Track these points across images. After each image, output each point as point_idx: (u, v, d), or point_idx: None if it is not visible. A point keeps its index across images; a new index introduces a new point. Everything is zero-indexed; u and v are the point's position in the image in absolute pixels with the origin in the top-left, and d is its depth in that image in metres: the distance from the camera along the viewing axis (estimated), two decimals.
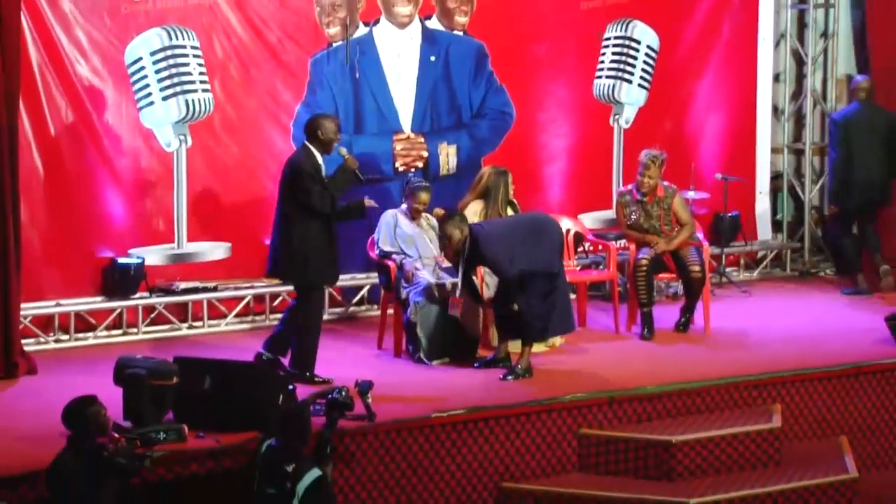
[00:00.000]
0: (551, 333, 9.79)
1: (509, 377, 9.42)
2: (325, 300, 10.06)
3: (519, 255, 9.40)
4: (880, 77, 12.31)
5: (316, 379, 9.16)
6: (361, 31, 11.30)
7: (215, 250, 10.96)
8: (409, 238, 10.18)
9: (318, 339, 9.30)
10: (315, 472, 7.10)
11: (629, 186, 10.87)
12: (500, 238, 9.45)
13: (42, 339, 10.26)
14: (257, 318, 10.97)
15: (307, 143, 9.27)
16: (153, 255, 10.70)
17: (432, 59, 11.56)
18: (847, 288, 12.06)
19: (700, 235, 10.97)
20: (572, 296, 11.14)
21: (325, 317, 11.03)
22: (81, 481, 6.87)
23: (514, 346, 9.65)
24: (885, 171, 12.02)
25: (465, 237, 9.40)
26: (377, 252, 10.21)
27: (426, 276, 10.05)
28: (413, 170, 11.47)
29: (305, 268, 9.21)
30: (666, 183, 10.75)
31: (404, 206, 10.31)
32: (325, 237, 9.19)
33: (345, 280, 11.11)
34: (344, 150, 9.39)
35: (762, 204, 12.95)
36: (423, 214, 10.29)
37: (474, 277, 9.92)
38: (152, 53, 10.58)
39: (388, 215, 10.22)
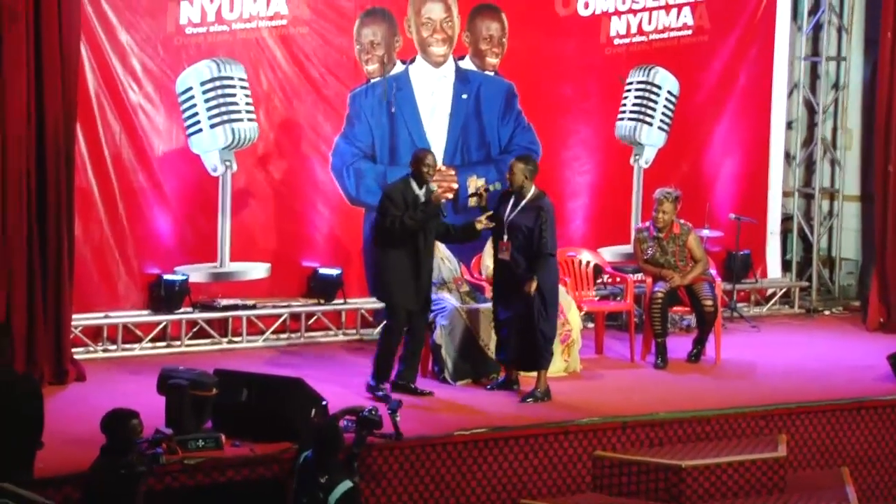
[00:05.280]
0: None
1: (529, 400, 9.41)
2: (403, 316, 9.42)
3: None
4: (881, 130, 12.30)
5: (417, 390, 9.42)
6: (398, 68, 11.35)
7: (255, 270, 10.99)
8: None
9: (392, 352, 9.41)
10: (347, 484, 7.08)
11: (647, 223, 10.86)
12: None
13: (91, 349, 10.30)
14: (293, 335, 11.00)
15: (410, 173, 9.44)
16: (197, 273, 10.74)
17: (464, 96, 11.59)
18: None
19: (713, 272, 10.95)
20: (590, 325, 11.19)
21: (356, 336, 11.14)
22: (112, 490, 6.85)
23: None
24: None
25: (526, 183, 9.41)
26: None
27: (451, 300, 10.05)
28: (443, 201, 11.46)
29: (384, 287, 9.39)
30: (682, 221, 10.75)
31: None
32: (407, 261, 9.27)
33: (376, 303, 11.12)
34: (434, 186, 9.40)
35: (773, 244, 12.93)
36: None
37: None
38: (202, 84, 10.64)
39: None
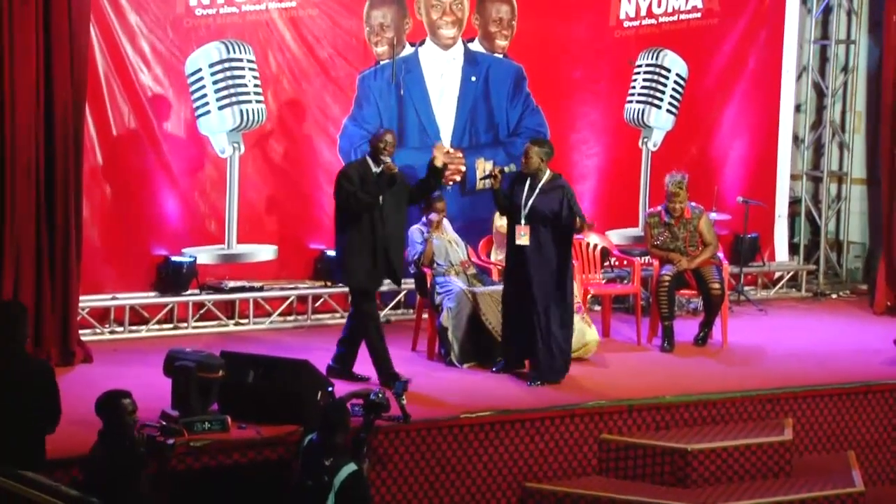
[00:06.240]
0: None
1: (537, 382, 9.37)
2: (374, 302, 9.32)
3: None
4: (888, 113, 12.23)
5: (355, 375, 9.15)
6: (407, 50, 11.30)
7: (263, 252, 10.96)
8: (437, 249, 10.12)
9: (376, 340, 9.14)
10: (351, 467, 7.05)
11: (658, 208, 10.76)
12: None
13: (98, 330, 10.29)
14: (300, 317, 10.97)
15: (367, 153, 9.25)
16: (204, 255, 10.72)
17: (473, 79, 11.54)
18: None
19: (720, 255, 10.90)
20: (597, 307, 11.14)
21: None
22: (113, 473, 6.82)
23: None
24: None
25: (542, 166, 9.30)
26: (413, 269, 10.15)
27: (458, 282, 10.01)
28: (451, 183, 11.44)
29: (345, 271, 9.17)
30: (693, 204, 10.67)
31: (423, 220, 10.18)
32: (366, 241, 9.06)
33: (382, 285, 11.09)
34: (387, 159, 9.09)
35: (780, 227, 12.88)
36: (442, 225, 10.21)
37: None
38: (211, 65, 10.60)
39: (415, 232, 10.12)
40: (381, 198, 9.06)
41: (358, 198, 8.98)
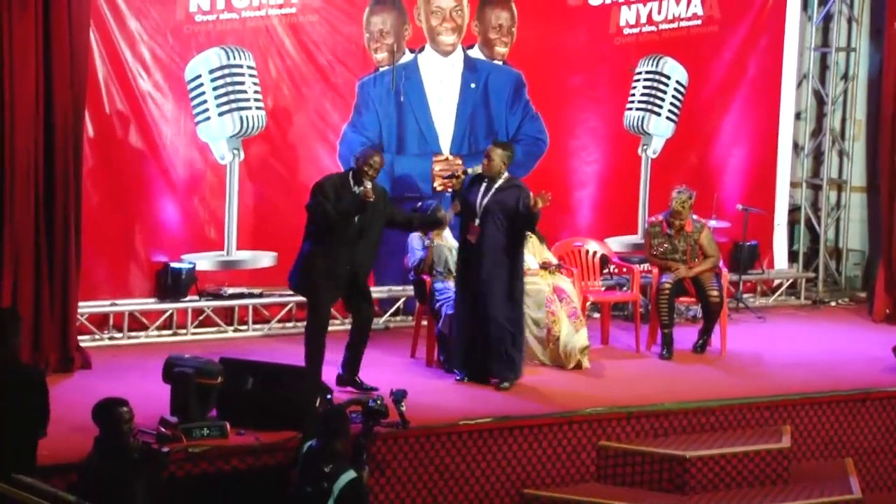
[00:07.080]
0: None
1: (504, 385, 9.31)
2: (325, 312, 9.24)
3: None
4: (888, 121, 12.27)
5: (364, 385, 9.17)
6: (407, 57, 11.33)
7: (262, 259, 11.00)
8: (437, 256, 10.14)
9: (318, 349, 9.09)
10: (351, 473, 7.07)
11: (660, 217, 10.77)
12: None
13: (97, 336, 10.31)
14: (299, 324, 10.95)
15: (351, 168, 9.26)
16: (204, 261, 10.75)
17: (473, 86, 11.57)
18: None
19: (720, 263, 10.92)
20: (596, 315, 11.17)
21: None
22: (109, 480, 6.84)
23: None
24: None
25: (503, 169, 9.36)
26: (413, 275, 10.19)
27: None
28: (450, 190, 11.45)
29: (298, 275, 9.19)
30: (695, 217, 10.69)
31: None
32: (328, 256, 9.04)
33: (381, 292, 11.15)
34: (368, 184, 9.00)
35: (780, 235, 12.90)
36: (443, 233, 10.25)
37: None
38: (211, 71, 10.64)
39: (415, 239, 10.15)
40: (357, 217, 9.01)
41: (326, 211, 8.96)
